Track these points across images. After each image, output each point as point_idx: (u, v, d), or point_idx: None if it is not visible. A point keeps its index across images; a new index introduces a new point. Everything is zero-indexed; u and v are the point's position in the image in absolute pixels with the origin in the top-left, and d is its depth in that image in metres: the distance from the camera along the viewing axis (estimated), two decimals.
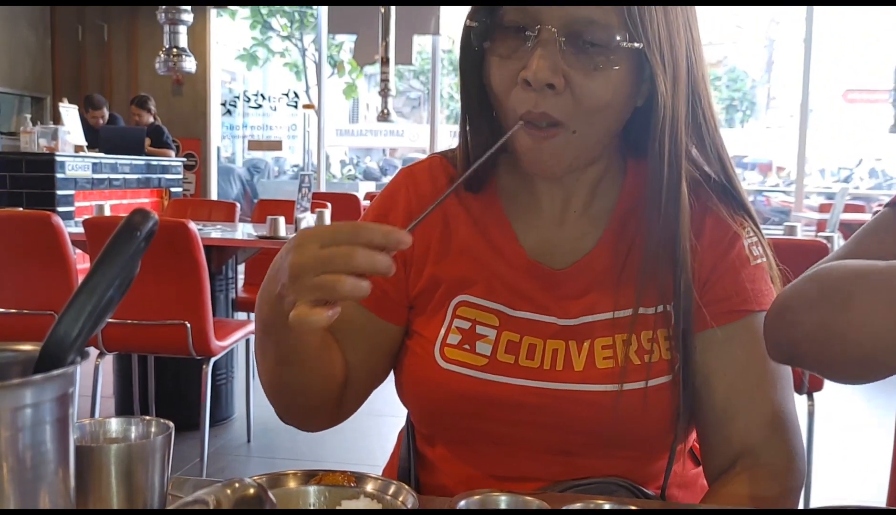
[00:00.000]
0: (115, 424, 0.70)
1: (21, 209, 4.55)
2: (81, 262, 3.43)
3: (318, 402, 0.97)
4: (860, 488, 3.24)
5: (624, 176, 0.98)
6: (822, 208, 7.33)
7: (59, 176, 5.89)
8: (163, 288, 2.88)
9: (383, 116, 6.96)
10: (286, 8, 14.64)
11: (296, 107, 13.18)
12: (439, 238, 0.99)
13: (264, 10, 14.62)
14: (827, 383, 2.59)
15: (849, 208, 6.80)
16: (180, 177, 7.65)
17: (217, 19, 9.58)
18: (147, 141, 7.24)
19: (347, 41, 12.69)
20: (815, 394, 2.70)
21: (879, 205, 7.05)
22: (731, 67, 18.10)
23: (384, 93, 6.80)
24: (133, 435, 0.70)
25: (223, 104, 11.64)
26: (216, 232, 3.72)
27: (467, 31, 0.90)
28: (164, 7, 5.39)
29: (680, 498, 0.99)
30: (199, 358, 3.00)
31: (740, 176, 1.01)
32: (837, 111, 16.18)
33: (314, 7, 10.38)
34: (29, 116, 7.06)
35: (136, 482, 0.64)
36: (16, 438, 0.49)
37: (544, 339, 0.93)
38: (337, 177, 15.77)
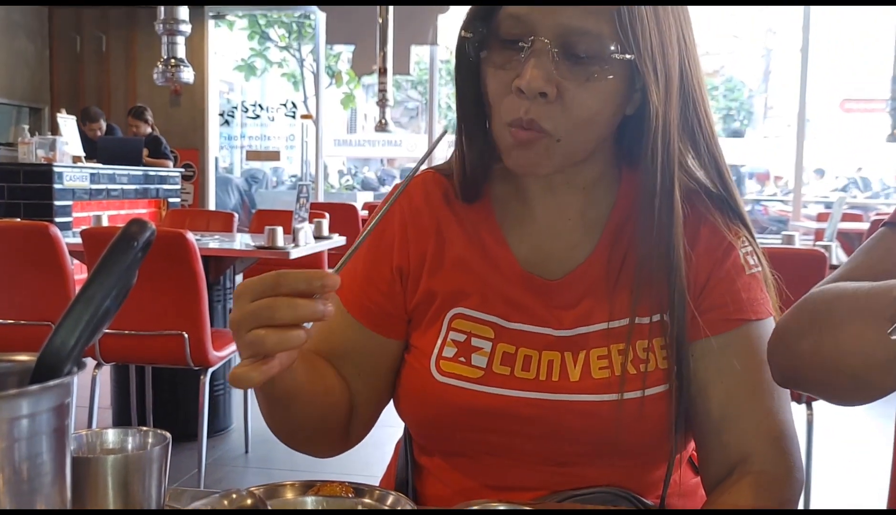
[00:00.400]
0: (112, 435, 0.70)
1: (19, 220, 4.55)
2: (79, 273, 3.42)
3: (321, 432, 0.97)
4: (859, 497, 3.24)
5: (618, 185, 0.98)
6: (821, 217, 7.33)
7: (56, 186, 5.88)
8: (160, 299, 2.88)
9: (381, 126, 6.98)
10: (284, 18, 14.69)
11: (294, 117, 13.21)
12: (433, 250, 0.98)
13: (262, 20, 14.67)
14: None
15: (847, 217, 6.80)
16: (178, 187, 7.64)
17: (215, 30, 9.60)
18: (145, 151, 7.23)
19: (345, 51, 12.72)
20: (814, 404, 2.71)
21: (878, 214, 7.06)
22: (729, 77, 18.17)
23: (382, 103, 6.82)
24: (130, 446, 0.69)
25: (221, 114, 11.65)
26: (214, 242, 3.71)
27: (462, 41, 0.90)
28: (162, 17, 5.39)
29: (680, 508, 0.99)
30: (196, 368, 2.99)
31: (738, 185, 1.01)
32: (835, 120, 16.23)
33: (312, 17, 10.41)
34: (27, 127, 7.04)
35: (133, 493, 0.64)
36: (12, 449, 0.49)
37: (539, 350, 0.93)
38: (335, 188, 15.79)
